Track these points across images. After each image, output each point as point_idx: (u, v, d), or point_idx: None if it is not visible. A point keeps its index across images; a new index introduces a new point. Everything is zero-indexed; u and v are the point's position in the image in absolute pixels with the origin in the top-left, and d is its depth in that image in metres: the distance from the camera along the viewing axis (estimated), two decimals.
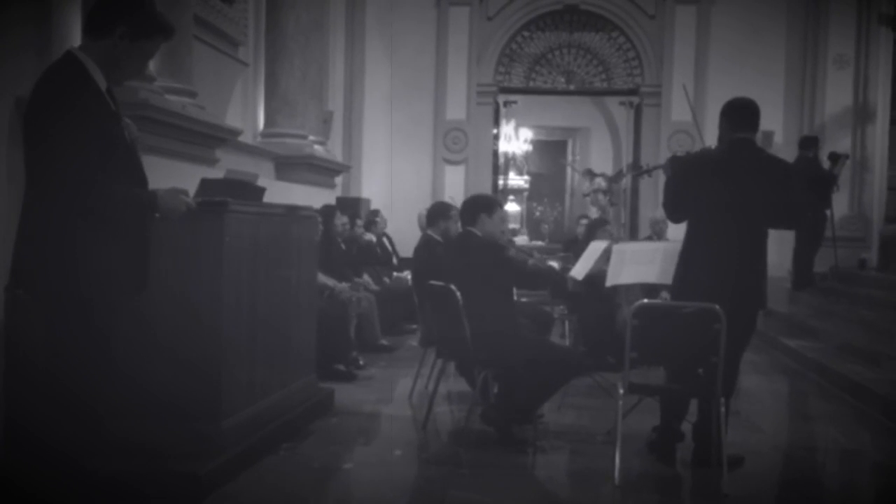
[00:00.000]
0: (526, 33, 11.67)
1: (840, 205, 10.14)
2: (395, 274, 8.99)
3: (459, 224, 5.30)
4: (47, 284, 2.72)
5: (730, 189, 4.09)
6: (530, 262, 5.74)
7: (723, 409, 4.00)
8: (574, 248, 8.30)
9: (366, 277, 8.05)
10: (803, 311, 9.25)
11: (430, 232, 6.34)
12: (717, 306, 3.83)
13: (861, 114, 10.80)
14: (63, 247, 2.69)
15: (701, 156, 4.36)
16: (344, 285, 7.08)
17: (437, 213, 6.38)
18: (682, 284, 4.24)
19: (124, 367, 3.46)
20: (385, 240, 9.72)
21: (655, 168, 5.80)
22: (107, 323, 2.82)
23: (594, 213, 11.76)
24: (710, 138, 5.76)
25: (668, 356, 4.15)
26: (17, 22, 4.13)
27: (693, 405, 4.44)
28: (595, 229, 7.68)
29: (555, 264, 6.85)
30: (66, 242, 2.69)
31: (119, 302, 2.86)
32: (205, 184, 4.37)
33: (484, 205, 4.97)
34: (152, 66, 5.51)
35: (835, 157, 9.61)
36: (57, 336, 2.74)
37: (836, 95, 10.81)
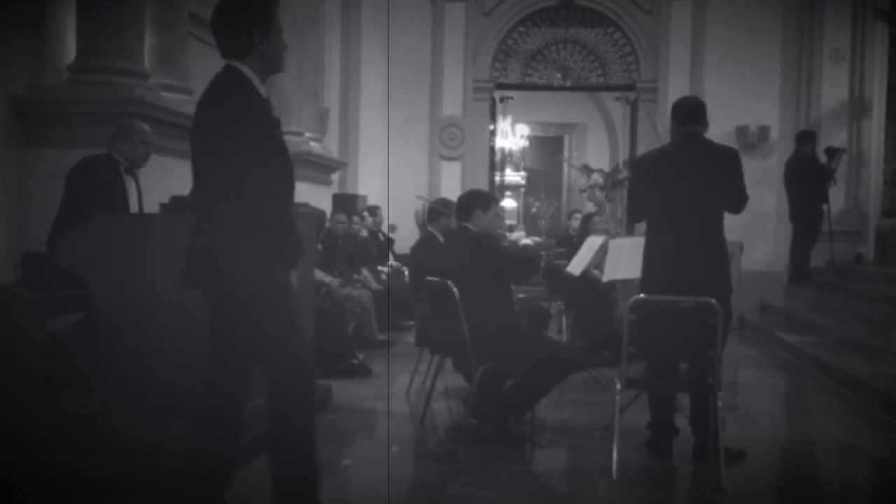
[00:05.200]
0: (522, 29, 11.65)
1: (836, 199, 10.11)
2: (390, 263, 8.96)
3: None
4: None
5: (682, 179, 4.20)
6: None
7: (720, 404, 4.00)
8: (569, 244, 8.32)
9: (366, 274, 8.04)
10: (800, 306, 9.26)
11: (430, 228, 6.30)
12: (714, 300, 3.84)
13: (857, 108, 10.78)
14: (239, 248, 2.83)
15: (655, 151, 4.59)
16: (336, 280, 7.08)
17: (439, 209, 6.33)
18: (648, 279, 4.29)
19: (120, 365, 3.45)
20: (381, 236, 9.70)
21: (626, 178, 5.92)
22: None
23: (591, 208, 11.78)
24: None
25: (663, 351, 4.15)
26: (12, 25, 4.13)
27: (682, 400, 4.44)
28: (587, 223, 7.78)
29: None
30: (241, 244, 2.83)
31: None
32: None
33: (479, 200, 4.95)
34: (147, 63, 5.50)
35: (832, 152, 9.60)
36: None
37: (832, 90, 10.79)
